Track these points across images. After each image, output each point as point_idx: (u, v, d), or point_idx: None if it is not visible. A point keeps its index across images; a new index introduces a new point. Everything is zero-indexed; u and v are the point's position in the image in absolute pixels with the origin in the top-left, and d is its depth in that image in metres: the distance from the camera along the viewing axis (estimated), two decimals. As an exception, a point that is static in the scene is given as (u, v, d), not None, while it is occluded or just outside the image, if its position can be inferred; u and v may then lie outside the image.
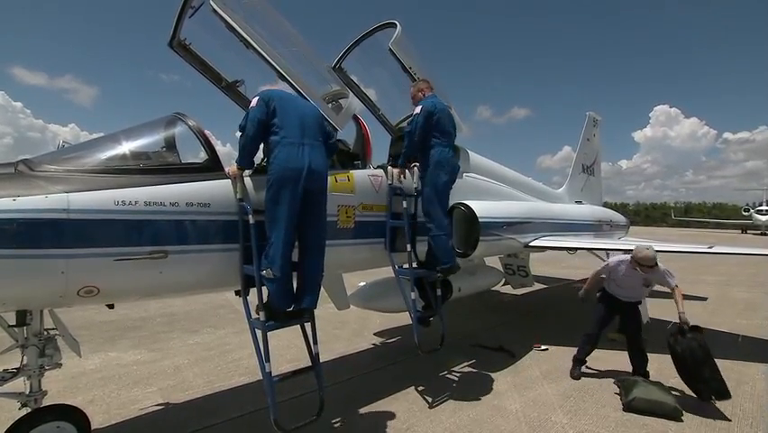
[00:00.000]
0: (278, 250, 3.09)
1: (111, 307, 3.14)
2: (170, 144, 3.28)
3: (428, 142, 4.41)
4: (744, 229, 46.45)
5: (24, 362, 2.94)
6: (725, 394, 4.13)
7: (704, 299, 10.00)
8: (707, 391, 4.19)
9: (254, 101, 3.26)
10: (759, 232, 43.62)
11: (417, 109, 4.42)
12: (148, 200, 2.78)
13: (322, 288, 4.91)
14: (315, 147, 3.31)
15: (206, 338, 6.34)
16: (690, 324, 4.48)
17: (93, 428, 3.37)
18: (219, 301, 8.18)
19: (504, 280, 7.83)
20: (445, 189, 4.49)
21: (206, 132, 3.28)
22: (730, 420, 4.00)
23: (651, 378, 4.47)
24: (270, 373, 3.10)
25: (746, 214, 48.88)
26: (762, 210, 46.28)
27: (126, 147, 3.08)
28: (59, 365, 3.06)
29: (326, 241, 3.47)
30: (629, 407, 4.16)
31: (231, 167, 3.25)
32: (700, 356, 4.20)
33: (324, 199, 3.40)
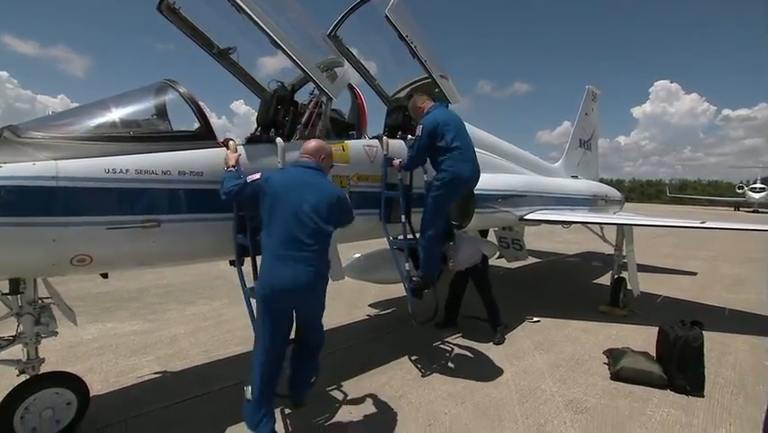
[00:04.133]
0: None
1: (105, 276, 3.14)
2: (161, 112, 3.21)
3: (437, 156, 4.21)
4: (736, 206, 46.89)
5: (20, 330, 2.96)
6: (699, 390, 4.02)
7: (694, 273, 10.17)
8: (683, 381, 4.04)
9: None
10: (751, 209, 44.05)
11: (418, 130, 4.19)
12: (139, 168, 2.74)
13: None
14: None
15: (202, 309, 6.40)
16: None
17: (93, 394, 3.44)
18: (214, 273, 8.21)
19: (498, 253, 7.89)
20: (449, 204, 4.42)
21: (198, 99, 3.21)
22: (712, 388, 4.14)
23: (638, 349, 4.57)
24: None
25: (740, 191, 49.27)
26: (756, 188, 46.64)
27: (116, 114, 3.01)
28: (55, 333, 3.08)
29: None
30: (617, 376, 4.28)
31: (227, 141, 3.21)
32: (692, 351, 4.04)
33: None
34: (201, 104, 3.22)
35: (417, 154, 4.22)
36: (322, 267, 2.89)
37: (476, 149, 5.69)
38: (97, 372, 4.23)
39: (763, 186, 47.02)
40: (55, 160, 2.47)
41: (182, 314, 6.17)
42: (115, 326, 5.60)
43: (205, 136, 3.17)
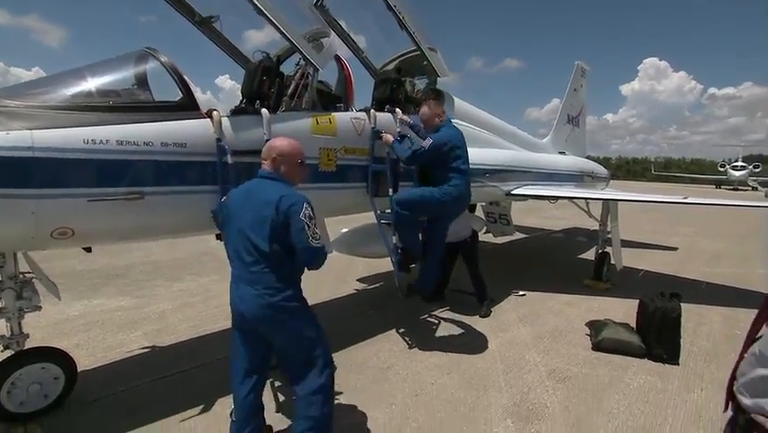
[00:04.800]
0: None
1: (88, 250, 3.09)
2: (142, 82, 3.10)
3: (444, 168, 4.20)
4: (717, 184, 47.77)
5: (2, 304, 2.91)
6: (675, 358, 4.17)
7: (675, 249, 10.42)
8: (660, 351, 4.18)
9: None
10: (731, 187, 44.97)
11: (426, 143, 4.13)
12: (120, 139, 2.66)
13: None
14: None
15: (190, 285, 6.37)
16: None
17: (81, 369, 3.43)
18: (202, 249, 8.15)
19: (485, 228, 7.96)
20: (440, 211, 4.39)
21: (180, 69, 3.10)
22: (687, 357, 4.30)
23: (619, 320, 4.70)
24: None
25: (722, 169, 50.12)
26: (737, 166, 47.47)
27: (94, 83, 2.89)
28: (39, 308, 3.04)
29: (308, 184, 3.42)
30: (598, 346, 4.41)
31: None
32: (670, 321, 4.17)
33: None
34: (183, 74, 3.11)
35: (421, 157, 4.18)
36: (271, 291, 2.33)
37: (465, 123, 5.68)
38: (84, 347, 4.22)
39: (743, 164, 47.86)
40: (30, 129, 2.38)
41: (170, 290, 6.15)
42: (102, 302, 5.56)
43: (188, 107, 3.07)
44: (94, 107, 2.73)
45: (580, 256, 9.31)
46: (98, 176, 2.61)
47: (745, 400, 1.27)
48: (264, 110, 3.41)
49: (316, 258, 2.37)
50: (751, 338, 1.33)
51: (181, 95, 3.09)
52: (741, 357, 1.34)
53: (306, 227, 2.27)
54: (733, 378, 1.35)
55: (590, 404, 3.47)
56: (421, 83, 5.47)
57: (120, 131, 2.68)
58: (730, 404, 1.37)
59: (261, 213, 2.32)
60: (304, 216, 2.28)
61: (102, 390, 3.43)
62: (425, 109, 4.39)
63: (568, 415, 3.30)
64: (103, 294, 5.86)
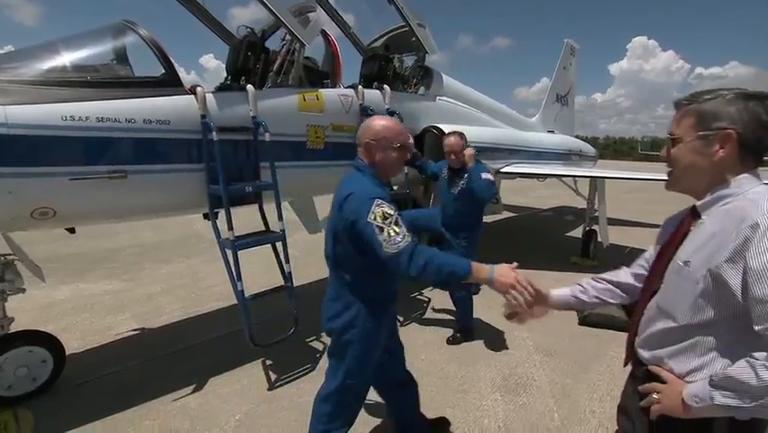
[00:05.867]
0: None
1: (72, 231, 3.03)
2: (121, 56, 2.99)
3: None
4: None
5: (-17, 287, 2.85)
6: None
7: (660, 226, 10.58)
8: None
9: None
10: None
11: (490, 176, 3.74)
12: (101, 116, 2.58)
13: (293, 212, 4.90)
14: None
15: (178, 267, 6.32)
16: None
17: (70, 352, 3.41)
18: (190, 231, 8.07)
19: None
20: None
21: (160, 43, 3.00)
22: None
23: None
24: (243, 291, 3.14)
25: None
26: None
27: (70, 57, 2.78)
28: (22, 290, 2.99)
29: (295, 162, 3.37)
30: (584, 321, 4.50)
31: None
32: None
33: None
34: (164, 48, 3.01)
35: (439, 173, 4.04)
36: (345, 302, 1.99)
37: (453, 101, 5.63)
38: (72, 331, 4.17)
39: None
40: (3, 105, 2.29)
41: (158, 272, 6.09)
42: (89, 286, 5.49)
43: (170, 83, 2.99)
44: (71, 83, 2.63)
45: (567, 234, 9.42)
46: (79, 154, 2.54)
47: (644, 354, 1.33)
48: (249, 86, 3.33)
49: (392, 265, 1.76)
50: (648, 292, 1.37)
51: (163, 70, 3.00)
52: (641, 313, 1.38)
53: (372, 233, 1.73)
54: (634, 334, 1.41)
55: (576, 376, 3.56)
56: (409, 60, 5.40)
57: (100, 107, 2.60)
58: (631, 361, 1.45)
59: (335, 210, 1.92)
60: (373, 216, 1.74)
61: (92, 372, 3.41)
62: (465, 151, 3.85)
63: (554, 387, 3.37)
64: (90, 278, 5.78)
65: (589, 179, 7.23)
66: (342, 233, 1.87)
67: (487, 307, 4.98)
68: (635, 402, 1.34)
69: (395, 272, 1.76)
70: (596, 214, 7.00)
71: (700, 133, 1.16)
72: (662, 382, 1.23)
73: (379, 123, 1.99)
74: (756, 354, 1.00)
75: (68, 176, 2.50)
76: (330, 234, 1.98)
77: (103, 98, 2.63)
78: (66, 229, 2.99)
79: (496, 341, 4.14)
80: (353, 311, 1.98)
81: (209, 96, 3.10)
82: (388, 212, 1.74)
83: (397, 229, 1.72)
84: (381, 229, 1.70)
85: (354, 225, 1.77)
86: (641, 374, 1.34)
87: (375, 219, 1.71)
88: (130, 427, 2.82)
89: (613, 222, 8.78)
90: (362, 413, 2.52)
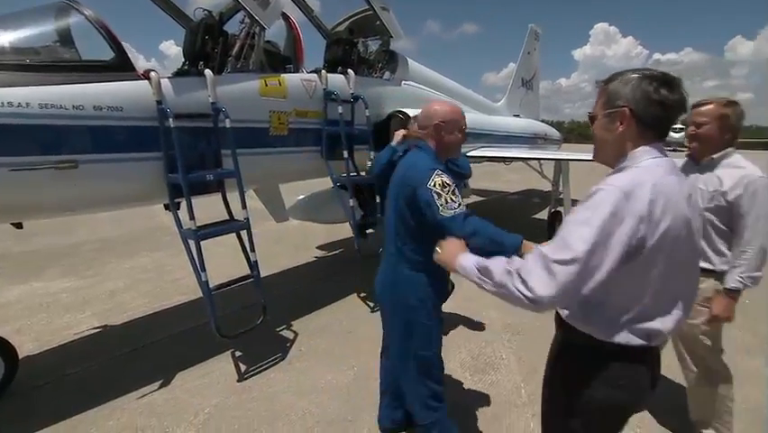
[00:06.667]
0: None
1: (18, 226, 2.85)
2: (64, 38, 2.80)
3: None
4: (659, 146, 50.59)
5: None
6: None
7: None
8: None
9: None
10: (671, 148, 47.74)
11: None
12: (43, 102, 2.42)
13: (258, 201, 4.79)
14: None
15: (143, 261, 6.10)
16: None
17: (24, 355, 3.25)
18: (154, 224, 7.80)
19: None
20: None
21: (108, 24, 2.83)
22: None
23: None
24: (207, 282, 3.07)
25: (664, 131, 53.06)
26: (675, 128, 50.17)
27: (5, 38, 2.58)
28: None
29: (258, 149, 3.29)
30: (551, 302, 4.64)
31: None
32: None
33: None
34: (112, 30, 2.84)
35: None
36: (399, 274, 2.19)
37: (419, 85, 5.61)
38: (27, 332, 3.97)
39: (681, 126, 50.56)
40: None
41: (121, 267, 5.87)
42: (45, 284, 5.22)
43: (121, 67, 2.83)
44: (7, 66, 2.44)
45: (534, 216, 9.66)
46: (21, 142, 2.37)
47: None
48: (208, 71, 3.20)
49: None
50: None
51: (113, 54, 2.83)
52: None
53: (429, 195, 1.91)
54: None
55: (543, 352, 3.64)
56: (374, 44, 5.33)
57: (42, 93, 2.43)
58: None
59: (398, 179, 2.14)
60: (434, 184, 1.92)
61: (50, 373, 3.26)
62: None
63: (522, 365, 3.47)
64: (45, 276, 5.50)
65: (553, 161, 7.41)
66: (404, 206, 2.06)
67: (458, 290, 5.06)
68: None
69: (448, 233, 1.83)
70: (561, 196, 7.19)
71: (606, 111, 1.31)
72: None
73: (449, 107, 2.17)
74: (516, 261, 1.27)
75: (8, 167, 2.33)
76: (393, 213, 2.16)
77: (45, 83, 2.46)
78: (12, 224, 2.81)
79: (465, 322, 4.22)
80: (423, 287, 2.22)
81: (165, 82, 2.96)
82: (447, 182, 1.93)
83: (453, 197, 1.92)
84: (439, 195, 1.90)
85: (416, 192, 1.96)
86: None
87: (434, 186, 1.90)
88: (92, 427, 2.71)
89: (577, 203, 9.06)
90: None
